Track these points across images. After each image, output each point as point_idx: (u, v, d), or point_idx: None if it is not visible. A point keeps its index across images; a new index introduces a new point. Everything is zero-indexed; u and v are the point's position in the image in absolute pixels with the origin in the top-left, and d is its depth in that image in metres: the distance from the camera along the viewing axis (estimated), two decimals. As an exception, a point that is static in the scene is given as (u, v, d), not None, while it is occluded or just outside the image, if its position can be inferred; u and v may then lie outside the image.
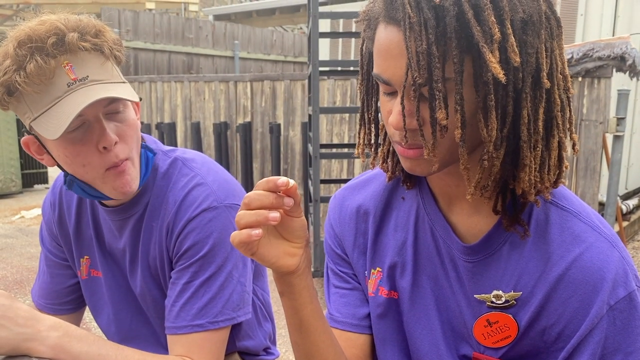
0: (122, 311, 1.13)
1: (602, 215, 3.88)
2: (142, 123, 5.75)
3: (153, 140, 1.11)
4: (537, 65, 0.64)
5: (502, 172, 0.68)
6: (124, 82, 0.96)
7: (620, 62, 3.64)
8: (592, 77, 3.71)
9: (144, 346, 1.09)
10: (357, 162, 5.21)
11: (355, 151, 0.82)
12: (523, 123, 0.65)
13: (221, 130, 5.61)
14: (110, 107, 0.93)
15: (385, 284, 0.85)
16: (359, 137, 0.82)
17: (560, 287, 0.70)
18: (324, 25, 6.15)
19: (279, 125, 5.14)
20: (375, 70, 0.68)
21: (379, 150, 0.83)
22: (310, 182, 3.75)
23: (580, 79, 3.73)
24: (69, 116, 0.87)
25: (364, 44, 0.75)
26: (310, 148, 3.63)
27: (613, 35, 4.64)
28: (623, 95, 3.63)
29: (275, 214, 0.67)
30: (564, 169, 0.71)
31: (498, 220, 0.74)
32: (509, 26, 0.61)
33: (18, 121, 7.48)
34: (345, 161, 5.27)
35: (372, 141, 0.82)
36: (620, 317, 0.68)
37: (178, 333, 0.98)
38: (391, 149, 0.82)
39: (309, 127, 3.79)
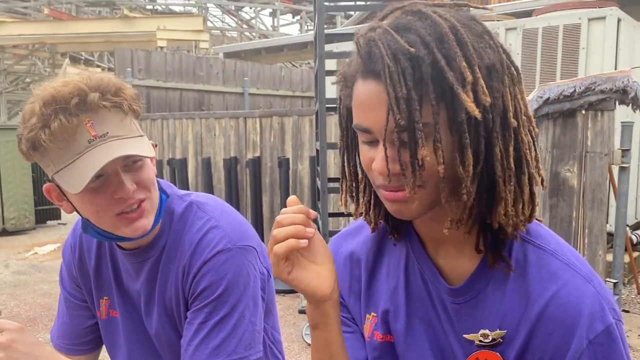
0: (136, 351, 1.16)
1: (612, 246, 3.88)
2: (154, 160, 5.73)
3: (168, 185, 1.16)
4: (504, 107, 0.69)
5: (478, 207, 0.73)
6: (141, 136, 1.01)
7: (623, 95, 3.69)
8: (596, 110, 3.76)
9: None
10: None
11: (339, 202, 0.87)
12: (496, 159, 0.70)
13: (231, 165, 5.70)
14: (128, 160, 0.98)
15: (380, 328, 0.87)
16: (342, 190, 0.87)
17: (541, 324, 0.73)
18: (331, 63, 6.29)
19: (287, 159, 5.22)
20: (355, 121, 0.73)
21: (361, 202, 0.86)
22: (319, 216, 3.80)
23: (583, 112, 3.78)
24: (90, 173, 0.93)
25: (342, 103, 0.80)
26: (319, 182, 3.69)
27: (615, 68, 4.71)
28: (627, 128, 3.67)
29: (311, 230, 0.76)
30: (536, 204, 0.76)
31: (480, 262, 0.78)
32: (478, 71, 0.67)
33: (33, 159, 7.61)
34: (353, 195, 5.29)
35: (354, 193, 0.86)
36: (600, 351, 0.70)
37: None
38: (372, 200, 0.85)
39: (317, 162, 3.86)
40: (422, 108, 0.66)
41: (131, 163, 0.99)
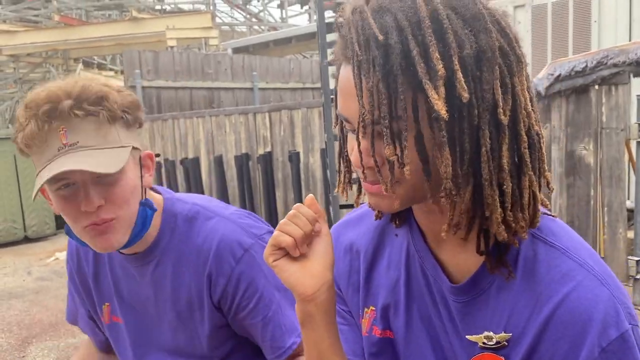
0: (146, 355, 1.16)
1: (632, 223, 3.78)
2: (167, 160, 5.83)
3: (167, 191, 1.14)
4: (494, 101, 0.62)
5: (474, 210, 0.67)
6: (120, 147, 0.96)
7: (637, 67, 3.57)
8: (609, 84, 3.64)
9: None
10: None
11: (336, 189, 0.82)
12: (483, 160, 0.63)
13: (243, 162, 5.69)
14: (100, 173, 0.94)
15: (379, 323, 0.84)
16: (339, 177, 0.82)
17: (549, 328, 0.67)
18: (338, 51, 6.21)
19: (298, 153, 5.19)
20: (337, 109, 0.69)
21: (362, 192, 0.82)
22: (331, 209, 3.77)
23: (596, 87, 3.67)
24: (42, 180, 0.92)
25: (337, 85, 0.76)
26: (329, 174, 3.65)
27: (630, 40, 4.56)
28: (643, 101, 3.56)
29: (305, 248, 0.76)
30: (540, 207, 0.69)
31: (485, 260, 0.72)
32: (457, 62, 0.60)
33: (49, 165, 7.70)
34: (366, 184, 5.23)
35: (351, 182, 0.81)
36: (614, 359, 0.64)
37: (284, 357, 1.06)
38: None
39: (326, 154, 3.82)
40: (395, 102, 0.61)
41: (103, 177, 0.94)
